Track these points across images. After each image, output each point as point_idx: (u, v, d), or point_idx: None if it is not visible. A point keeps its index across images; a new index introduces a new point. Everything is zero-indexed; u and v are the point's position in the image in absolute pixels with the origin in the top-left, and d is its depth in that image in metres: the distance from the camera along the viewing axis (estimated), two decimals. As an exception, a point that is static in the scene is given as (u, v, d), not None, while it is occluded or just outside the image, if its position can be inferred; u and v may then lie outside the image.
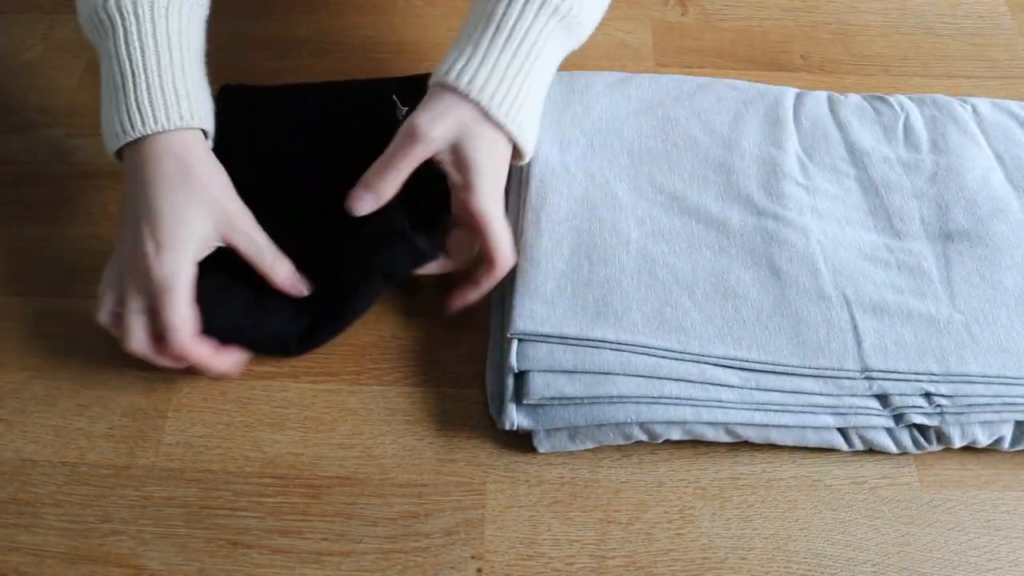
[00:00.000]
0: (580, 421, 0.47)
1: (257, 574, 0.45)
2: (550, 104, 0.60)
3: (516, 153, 0.52)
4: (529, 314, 0.49)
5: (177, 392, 0.52)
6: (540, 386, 0.47)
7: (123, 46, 0.48)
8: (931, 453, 0.50)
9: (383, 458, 0.49)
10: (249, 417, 0.51)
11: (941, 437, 0.49)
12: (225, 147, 0.56)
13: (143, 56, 0.48)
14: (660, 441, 0.49)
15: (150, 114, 0.47)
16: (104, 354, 0.53)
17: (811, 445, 0.49)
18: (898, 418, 0.49)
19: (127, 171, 0.49)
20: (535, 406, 0.48)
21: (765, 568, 0.46)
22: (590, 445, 0.49)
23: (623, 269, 0.52)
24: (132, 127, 0.47)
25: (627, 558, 0.46)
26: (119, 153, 0.49)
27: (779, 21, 0.74)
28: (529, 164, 0.57)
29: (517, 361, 0.48)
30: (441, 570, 0.45)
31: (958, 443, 0.49)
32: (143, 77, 0.48)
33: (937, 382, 0.49)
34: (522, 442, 0.50)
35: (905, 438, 0.49)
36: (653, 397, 0.47)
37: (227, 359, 0.50)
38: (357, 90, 0.64)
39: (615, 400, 0.47)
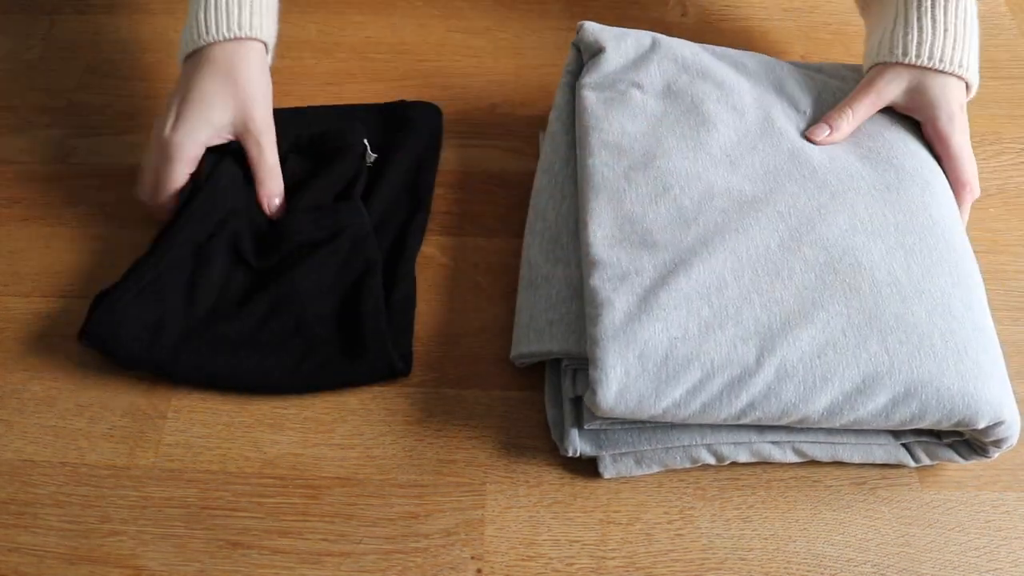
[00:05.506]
0: (645, 445, 0.47)
1: (257, 574, 0.45)
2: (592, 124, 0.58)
3: (967, 88, 0.56)
4: None
5: (177, 392, 0.52)
6: None
7: None
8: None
9: (383, 459, 0.49)
10: (249, 417, 0.51)
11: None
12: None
13: None
14: (727, 463, 0.48)
15: (213, 25, 0.55)
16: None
17: (878, 461, 0.48)
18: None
19: (183, 73, 0.56)
20: (597, 431, 0.47)
21: (765, 569, 0.46)
22: (656, 469, 0.48)
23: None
24: (200, 36, 0.55)
25: (627, 558, 0.46)
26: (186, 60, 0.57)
27: (779, 22, 0.74)
28: (583, 175, 0.55)
29: (574, 386, 0.48)
30: (441, 571, 0.45)
31: None
32: None
33: None
34: (521, 443, 0.50)
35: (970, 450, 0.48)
36: None
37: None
38: (319, 120, 0.63)
39: (680, 422, 0.46)
